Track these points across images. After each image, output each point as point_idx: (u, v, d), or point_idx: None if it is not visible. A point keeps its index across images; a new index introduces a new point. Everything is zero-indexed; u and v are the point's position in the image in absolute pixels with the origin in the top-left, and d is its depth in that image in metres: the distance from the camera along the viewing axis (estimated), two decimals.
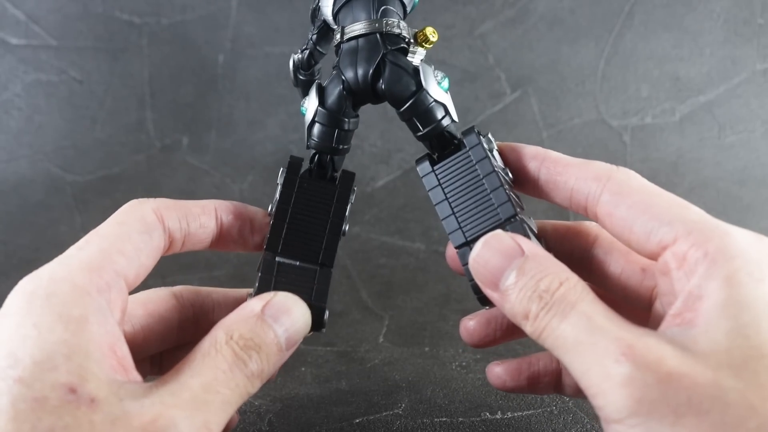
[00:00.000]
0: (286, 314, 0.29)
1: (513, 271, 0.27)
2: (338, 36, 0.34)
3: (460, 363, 0.50)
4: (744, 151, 0.86)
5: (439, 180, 0.33)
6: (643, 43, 0.89)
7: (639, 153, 0.87)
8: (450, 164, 0.33)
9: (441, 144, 0.33)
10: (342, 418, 0.41)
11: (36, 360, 0.22)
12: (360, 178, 0.83)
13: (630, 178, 0.29)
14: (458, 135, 0.33)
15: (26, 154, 0.84)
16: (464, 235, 0.32)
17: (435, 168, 0.33)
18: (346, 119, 0.34)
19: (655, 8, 0.89)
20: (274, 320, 0.29)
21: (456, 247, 0.32)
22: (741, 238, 0.25)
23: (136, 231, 0.28)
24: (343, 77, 0.33)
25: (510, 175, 0.33)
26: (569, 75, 0.89)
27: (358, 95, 0.34)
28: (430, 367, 0.49)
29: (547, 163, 0.32)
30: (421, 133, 0.33)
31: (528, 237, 0.30)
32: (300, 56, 0.38)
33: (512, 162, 0.33)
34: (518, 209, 0.31)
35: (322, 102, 0.34)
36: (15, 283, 0.25)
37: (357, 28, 0.33)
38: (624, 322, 0.24)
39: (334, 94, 0.34)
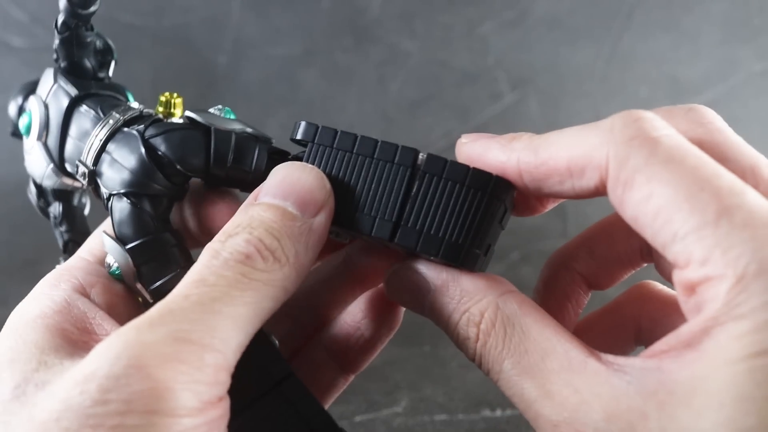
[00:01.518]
0: (280, 183, 0.23)
1: None
2: (83, 171, 0.26)
3: (460, 362, 0.50)
4: None
5: None
6: (642, 45, 0.89)
7: None
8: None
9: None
10: (342, 417, 0.41)
11: None
12: None
13: (660, 143, 0.20)
14: (287, 148, 0.27)
15: None
16: (386, 217, 0.24)
17: None
18: (168, 233, 0.26)
19: (653, 10, 0.89)
20: (267, 196, 0.23)
21: (389, 240, 0.24)
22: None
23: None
24: (124, 191, 0.25)
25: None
26: (568, 76, 0.89)
27: (156, 190, 0.26)
28: (430, 366, 0.49)
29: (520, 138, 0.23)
30: (252, 173, 0.26)
31: (448, 163, 0.23)
32: (65, 241, 0.31)
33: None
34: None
35: (124, 239, 0.25)
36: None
37: (95, 139, 0.26)
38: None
39: (126, 215, 0.25)
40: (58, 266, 0.26)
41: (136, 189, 0.25)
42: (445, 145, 0.86)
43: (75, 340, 0.22)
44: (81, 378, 0.19)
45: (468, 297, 0.23)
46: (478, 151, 0.24)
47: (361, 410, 0.42)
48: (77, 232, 0.32)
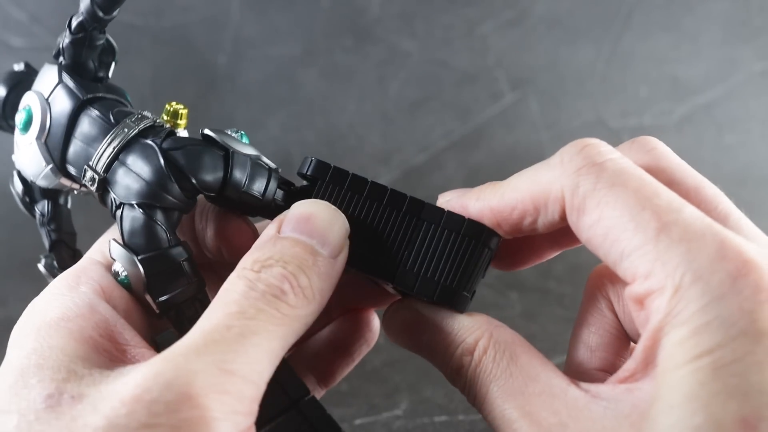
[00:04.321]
0: (307, 220, 0.24)
1: None
2: (92, 177, 0.26)
3: None
4: (742, 151, 0.86)
5: None
6: (642, 44, 0.89)
7: None
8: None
9: (288, 200, 0.27)
10: (342, 420, 0.41)
11: (9, 384, 0.21)
12: None
13: (613, 170, 0.22)
14: (296, 181, 0.28)
15: None
16: (388, 259, 0.25)
17: None
18: (180, 247, 0.26)
19: (654, 9, 0.89)
20: (294, 231, 0.24)
21: (389, 281, 0.26)
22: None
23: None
24: (136, 202, 0.25)
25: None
26: (568, 76, 0.89)
27: (170, 203, 0.26)
28: (430, 367, 0.49)
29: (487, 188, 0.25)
30: (263, 200, 0.26)
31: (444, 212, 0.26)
32: (49, 265, 0.31)
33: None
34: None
35: (136, 249, 0.25)
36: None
37: (108, 147, 0.26)
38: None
39: (140, 226, 0.25)
40: (70, 269, 0.26)
41: (150, 200, 0.25)
42: (445, 145, 0.86)
43: (99, 349, 0.23)
44: (129, 399, 0.19)
45: (465, 330, 0.24)
46: (458, 209, 0.26)
47: (362, 413, 0.42)
48: (64, 232, 0.31)
